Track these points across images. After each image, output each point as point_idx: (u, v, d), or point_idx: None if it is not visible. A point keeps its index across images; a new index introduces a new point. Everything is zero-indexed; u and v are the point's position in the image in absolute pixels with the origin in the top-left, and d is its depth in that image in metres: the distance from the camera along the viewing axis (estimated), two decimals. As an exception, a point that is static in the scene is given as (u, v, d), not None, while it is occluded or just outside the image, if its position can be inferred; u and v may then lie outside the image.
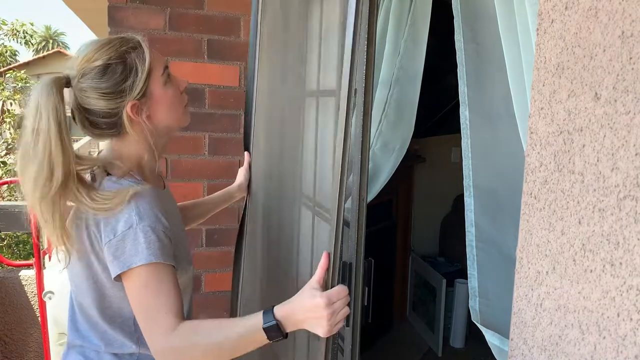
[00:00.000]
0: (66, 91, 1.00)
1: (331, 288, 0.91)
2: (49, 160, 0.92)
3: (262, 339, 0.89)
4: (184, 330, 0.91)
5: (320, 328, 0.87)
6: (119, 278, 0.96)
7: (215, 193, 1.53)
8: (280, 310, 0.89)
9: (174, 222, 1.07)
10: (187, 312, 1.14)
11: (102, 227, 0.96)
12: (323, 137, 1.21)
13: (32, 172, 0.93)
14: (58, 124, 0.93)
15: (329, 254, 0.94)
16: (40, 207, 0.94)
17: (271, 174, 1.54)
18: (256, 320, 0.89)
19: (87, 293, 1.03)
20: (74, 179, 0.95)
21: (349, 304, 0.90)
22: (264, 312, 0.89)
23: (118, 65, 0.98)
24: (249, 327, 0.89)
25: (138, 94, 0.99)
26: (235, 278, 1.72)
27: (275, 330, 0.88)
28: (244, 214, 1.62)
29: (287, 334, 0.89)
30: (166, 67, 1.05)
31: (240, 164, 2.42)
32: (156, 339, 0.92)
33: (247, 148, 1.57)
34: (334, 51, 1.39)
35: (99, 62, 0.98)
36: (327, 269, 0.93)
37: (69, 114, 0.99)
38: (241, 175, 1.56)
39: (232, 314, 1.75)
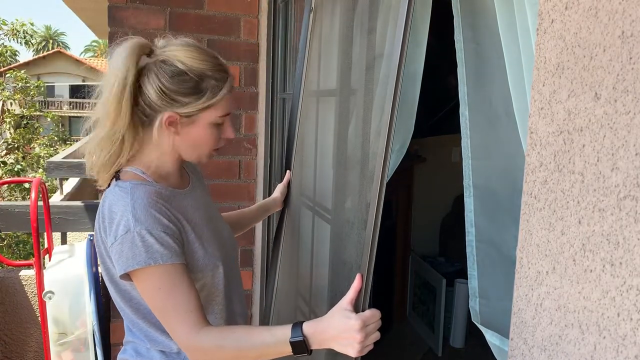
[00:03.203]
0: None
1: (362, 309, 0.92)
2: (109, 112, 0.99)
3: (287, 351, 0.90)
4: (213, 332, 0.94)
5: (352, 349, 0.87)
6: (127, 278, 0.98)
7: (252, 206, 1.56)
8: (309, 327, 0.89)
9: (191, 220, 1.08)
10: (224, 310, 1.14)
11: (107, 231, 0.99)
12: (354, 151, 1.20)
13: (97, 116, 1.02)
14: (125, 78, 0.97)
15: (362, 276, 0.94)
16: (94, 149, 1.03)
17: (303, 188, 1.57)
18: (284, 332, 0.90)
19: (115, 294, 1.06)
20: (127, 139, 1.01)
21: (379, 328, 0.91)
22: (292, 326, 0.90)
23: (191, 80, 0.99)
24: (277, 338, 0.90)
25: (185, 113, 1.00)
26: (269, 284, 1.74)
27: (300, 346, 0.89)
28: (279, 225, 1.65)
29: (311, 350, 0.90)
30: (228, 115, 1.06)
31: (241, 164, 2.43)
32: (182, 338, 0.94)
33: (288, 167, 1.60)
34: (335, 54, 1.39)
35: (180, 65, 0.99)
36: (360, 290, 0.93)
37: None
38: (278, 190, 1.57)
39: (265, 319, 1.77)
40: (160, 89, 0.98)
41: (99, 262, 1.11)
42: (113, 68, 0.98)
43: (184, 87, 0.99)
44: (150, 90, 0.99)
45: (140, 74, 1.00)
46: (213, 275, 1.10)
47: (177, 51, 1.00)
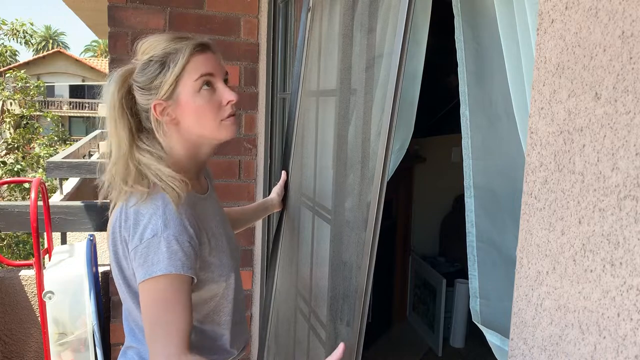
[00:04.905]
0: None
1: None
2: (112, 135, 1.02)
3: None
4: None
5: None
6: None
7: (253, 204, 1.56)
8: None
9: (210, 228, 1.07)
10: (230, 321, 1.12)
11: (130, 232, 0.97)
12: (354, 153, 1.20)
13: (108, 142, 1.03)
14: (113, 108, 1.01)
15: (345, 345, 0.94)
16: (113, 169, 1.01)
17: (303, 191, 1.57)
18: None
19: (126, 297, 1.04)
20: (132, 158, 1.01)
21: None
22: None
23: (157, 62, 1.00)
24: None
25: (164, 94, 1.00)
26: (269, 284, 1.74)
27: None
28: (278, 225, 1.65)
29: None
30: (208, 75, 1.02)
31: (241, 164, 2.43)
32: (160, 354, 0.90)
33: (285, 167, 1.60)
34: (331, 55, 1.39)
35: (145, 57, 1.01)
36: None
37: None
38: (274, 191, 1.57)
39: (264, 324, 1.77)
40: (139, 87, 1.02)
41: (109, 261, 1.09)
42: (105, 101, 1.03)
43: (151, 73, 1.00)
44: (136, 95, 1.03)
45: (131, 92, 1.04)
46: (227, 285, 1.09)
47: (142, 50, 1.03)
